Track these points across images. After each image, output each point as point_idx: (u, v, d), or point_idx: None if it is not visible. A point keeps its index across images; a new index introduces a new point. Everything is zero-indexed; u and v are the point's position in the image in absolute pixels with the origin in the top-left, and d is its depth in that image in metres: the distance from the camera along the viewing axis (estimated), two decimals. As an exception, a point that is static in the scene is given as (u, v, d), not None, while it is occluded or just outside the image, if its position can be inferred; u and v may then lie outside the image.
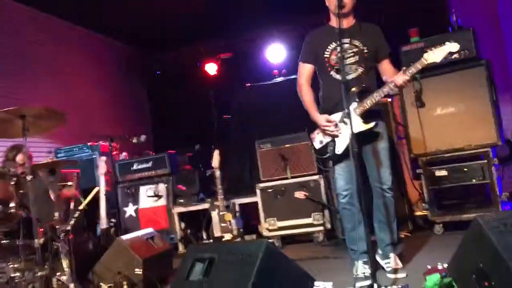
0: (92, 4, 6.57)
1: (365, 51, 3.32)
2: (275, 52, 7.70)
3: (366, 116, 3.23)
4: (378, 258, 3.52)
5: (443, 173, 4.59)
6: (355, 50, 3.31)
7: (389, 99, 5.07)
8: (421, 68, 3.08)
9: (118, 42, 8.43)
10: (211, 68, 8.11)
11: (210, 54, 8.10)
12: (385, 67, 3.42)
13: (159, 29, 7.60)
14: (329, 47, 3.35)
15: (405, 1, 6.93)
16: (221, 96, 7.60)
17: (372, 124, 3.23)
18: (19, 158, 4.41)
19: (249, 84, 6.69)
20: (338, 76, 3.29)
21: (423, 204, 4.76)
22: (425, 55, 3.07)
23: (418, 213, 5.03)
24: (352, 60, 3.31)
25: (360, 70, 3.33)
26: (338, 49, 3.19)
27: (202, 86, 8.01)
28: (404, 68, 3.13)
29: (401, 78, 3.10)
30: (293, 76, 6.10)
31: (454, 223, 4.56)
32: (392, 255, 3.44)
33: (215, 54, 8.12)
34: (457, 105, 4.55)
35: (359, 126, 3.20)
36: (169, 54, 8.43)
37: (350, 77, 3.29)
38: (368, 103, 3.19)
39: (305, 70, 3.48)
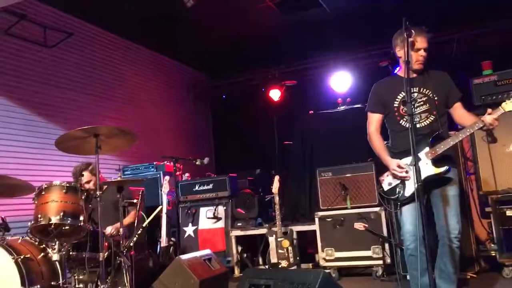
0: (165, 31, 6.92)
1: (436, 98, 3.31)
2: (340, 80, 7.65)
3: (438, 161, 3.18)
4: None
5: (515, 213, 4.35)
6: (424, 99, 3.32)
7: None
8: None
9: (187, 67, 8.77)
10: (275, 94, 8.19)
11: (275, 80, 8.21)
12: (458, 112, 3.37)
13: (227, 55, 7.83)
14: (398, 97, 3.37)
15: (477, 32, 6.73)
16: (284, 122, 7.65)
17: (443, 169, 3.16)
18: (86, 176, 4.56)
19: (312, 111, 6.69)
20: (408, 125, 3.25)
21: (492, 245, 4.51)
22: (503, 104, 3.05)
23: (486, 253, 4.76)
24: (423, 108, 3.31)
25: (431, 118, 3.31)
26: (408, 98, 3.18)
27: (266, 112, 8.13)
28: (489, 110, 3.09)
29: (489, 117, 3.06)
30: (357, 105, 6.08)
31: (525, 267, 4.29)
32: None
33: (280, 81, 8.21)
34: (532, 141, 4.34)
35: (430, 170, 3.15)
36: (235, 79, 8.63)
37: (421, 125, 3.29)
38: (442, 147, 3.16)
39: (374, 119, 3.50)
